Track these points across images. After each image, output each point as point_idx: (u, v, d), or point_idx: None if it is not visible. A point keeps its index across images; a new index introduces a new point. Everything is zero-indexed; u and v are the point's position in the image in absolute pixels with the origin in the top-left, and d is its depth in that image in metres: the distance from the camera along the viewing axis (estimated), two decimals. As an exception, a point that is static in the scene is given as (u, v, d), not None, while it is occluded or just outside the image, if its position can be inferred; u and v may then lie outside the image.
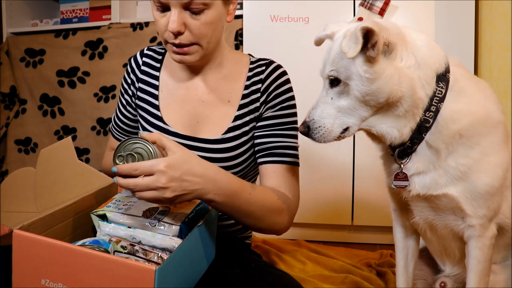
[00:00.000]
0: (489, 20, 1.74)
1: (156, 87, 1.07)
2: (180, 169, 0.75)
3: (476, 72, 1.82)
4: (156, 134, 0.78)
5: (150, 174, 0.73)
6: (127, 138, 0.78)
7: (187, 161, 0.77)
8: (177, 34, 0.91)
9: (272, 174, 0.98)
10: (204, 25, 0.91)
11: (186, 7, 0.89)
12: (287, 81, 1.05)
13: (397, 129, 0.80)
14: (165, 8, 0.91)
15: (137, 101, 1.09)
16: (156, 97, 1.06)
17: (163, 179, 0.73)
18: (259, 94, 1.02)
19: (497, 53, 1.66)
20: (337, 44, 0.80)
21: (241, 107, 1.02)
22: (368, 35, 0.73)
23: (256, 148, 1.03)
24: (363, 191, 1.91)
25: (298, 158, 1.02)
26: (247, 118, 1.02)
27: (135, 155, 0.76)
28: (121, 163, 0.76)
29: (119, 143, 0.79)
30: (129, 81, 1.10)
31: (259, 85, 1.03)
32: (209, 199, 0.81)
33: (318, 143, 0.82)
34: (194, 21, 0.91)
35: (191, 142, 1.01)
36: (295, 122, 1.04)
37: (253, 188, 0.89)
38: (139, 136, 0.77)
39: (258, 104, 1.02)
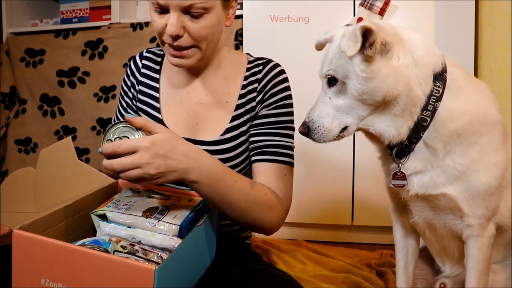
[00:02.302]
0: (489, 20, 1.74)
1: (156, 90, 1.07)
2: (164, 147, 0.75)
3: (476, 72, 1.82)
4: (141, 119, 0.78)
5: (134, 152, 0.73)
6: (115, 122, 0.79)
7: (171, 140, 0.77)
8: (175, 38, 0.91)
9: (263, 173, 0.98)
10: (204, 29, 0.91)
11: (186, 10, 0.89)
12: (284, 80, 1.04)
13: (394, 127, 0.81)
14: (163, 10, 0.91)
15: (138, 104, 1.09)
16: (157, 99, 1.06)
17: (147, 155, 0.73)
18: (255, 94, 1.02)
19: (497, 53, 1.66)
20: (335, 44, 0.81)
21: (238, 107, 1.02)
22: (366, 35, 0.74)
23: (250, 146, 1.02)
24: (363, 191, 1.91)
25: (292, 158, 1.01)
26: (244, 118, 1.02)
27: (122, 138, 0.76)
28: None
29: (107, 127, 0.79)
30: (129, 83, 1.10)
31: (256, 85, 1.02)
32: (193, 180, 0.81)
33: (318, 143, 0.83)
34: (193, 25, 0.91)
35: None
36: (291, 121, 1.04)
37: (241, 177, 0.89)
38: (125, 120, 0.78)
39: (254, 103, 1.02)
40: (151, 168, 0.74)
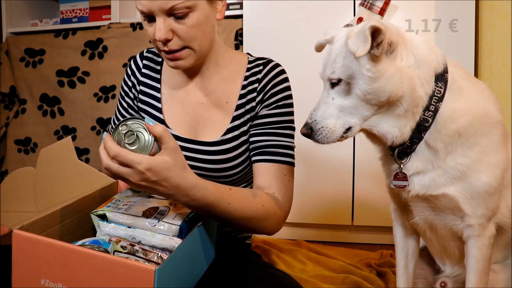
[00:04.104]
0: (490, 20, 1.74)
1: (158, 90, 1.07)
2: (158, 175, 0.73)
3: (476, 72, 1.82)
4: (159, 129, 0.74)
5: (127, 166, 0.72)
6: (140, 118, 0.77)
7: (169, 169, 0.74)
8: (165, 42, 0.91)
9: (263, 174, 0.97)
10: (191, 28, 0.91)
11: (170, 13, 0.89)
12: (284, 80, 1.04)
13: (397, 128, 0.81)
14: (150, 18, 0.91)
15: (139, 104, 1.08)
16: (158, 99, 1.06)
17: (136, 177, 0.72)
18: (255, 94, 1.02)
19: (497, 54, 1.66)
20: (338, 44, 0.80)
21: (238, 107, 1.02)
22: (374, 34, 0.73)
23: (250, 147, 1.02)
24: (363, 191, 1.91)
25: (292, 158, 1.01)
26: (245, 118, 1.02)
27: (134, 133, 0.75)
28: (123, 131, 0.75)
29: (131, 116, 0.80)
30: (129, 84, 1.10)
31: (256, 85, 1.02)
32: (182, 203, 0.81)
33: (321, 144, 0.82)
34: (180, 26, 0.90)
35: (192, 145, 1.01)
36: (291, 121, 1.03)
37: (235, 198, 0.86)
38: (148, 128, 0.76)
39: (254, 103, 1.02)
40: (135, 186, 0.75)
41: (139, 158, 0.72)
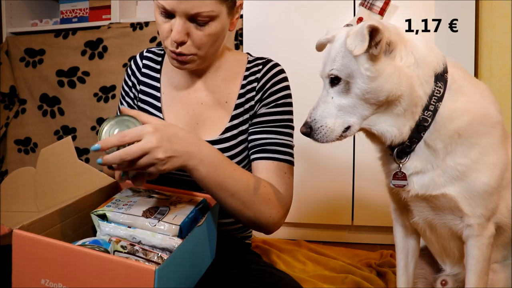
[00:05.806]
0: (490, 20, 1.74)
1: (157, 89, 1.07)
2: (166, 132, 0.77)
3: (476, 72, 1.82)
4: (134, 111, 0.81)
5: (138, 141, 0.74)
6: (107, 118, 0.80)
7: (170, 126, 0.79)
8: (180, 44, 0.91)
9: (263, 171, 0.97)
10: (207, 36, 0.92)
11: (192, 18, 0.89)
12: (283, 79, 1.04)
13: (396, 127, 0.81)
14: (169, 15, 0.91)
15: (139, 104, 1.09)
16: (158, 99, 1.06)
17: (153, 138, 0.74)
18: (254, 93, 1.02)
19: (497, 54, 1.66)
20: (338, 43, 0.80)
21: (237, 106, 1.03)
22: (372, 34, 0.74)
23: (249, 145, 1.02)
24: (363, 190, 1.91)
25: (292, 157, 1.01)
26: (244, 117, 1.02)
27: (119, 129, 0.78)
28: (109, 131, 0.77)
29: (105, 120, 0.80)
30: (130, 83, 1.10)
31: (255, 84, 1.03)
32: (194, 166, 0.81)
33: (320, 143, 0.82)
34: (197, 32, 0.91)
35: None
36: (290, 120, 1.04)
37: (239, 167, 0.90)
38: (121, 112, 0.80)
39: (253, 102, 1.02)
40: (159, 152, 0.75)
41: (142, 126, 0.76)
